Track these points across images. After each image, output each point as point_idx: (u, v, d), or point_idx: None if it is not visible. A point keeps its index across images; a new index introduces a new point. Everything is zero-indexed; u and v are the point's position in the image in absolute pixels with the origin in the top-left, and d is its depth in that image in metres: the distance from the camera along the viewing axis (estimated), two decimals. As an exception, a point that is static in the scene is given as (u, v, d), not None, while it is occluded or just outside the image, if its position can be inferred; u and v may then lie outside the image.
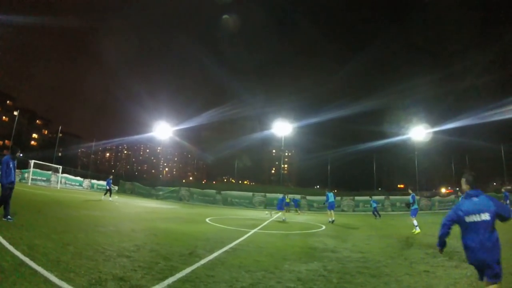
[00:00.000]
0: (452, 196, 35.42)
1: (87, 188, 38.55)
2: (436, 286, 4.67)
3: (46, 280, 3.72)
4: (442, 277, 5.17)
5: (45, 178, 32.50)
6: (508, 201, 19.20)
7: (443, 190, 56.38)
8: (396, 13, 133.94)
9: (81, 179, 39.89)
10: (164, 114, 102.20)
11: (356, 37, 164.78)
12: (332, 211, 16.21)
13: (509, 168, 35.99)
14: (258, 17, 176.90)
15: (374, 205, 21.30)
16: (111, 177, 23.52)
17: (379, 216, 19.97)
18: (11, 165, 7.53)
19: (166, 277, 4.30)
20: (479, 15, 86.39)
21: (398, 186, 62.44)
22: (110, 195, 21.53)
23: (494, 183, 44.68)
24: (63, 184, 34.86)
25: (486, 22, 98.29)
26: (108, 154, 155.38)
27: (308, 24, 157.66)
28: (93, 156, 79.21)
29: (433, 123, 44.46)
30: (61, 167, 35.21)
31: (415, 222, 11.78)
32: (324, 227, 13.80)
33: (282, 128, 44.73)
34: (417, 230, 11.58)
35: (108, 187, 21.82)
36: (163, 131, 47.55)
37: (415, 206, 12.49)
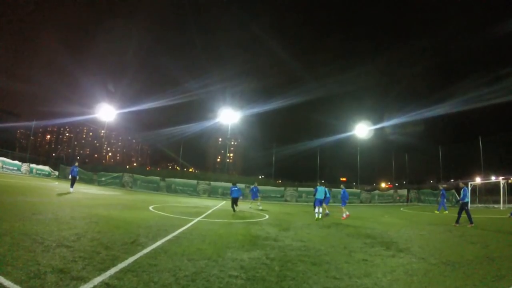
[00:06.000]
0: (391, 191, 37.93)
1: (25, 173, 35.15)
2: (374, 274, 4.82)
3: (-19, 275, 3.41)
4: (380, 266, 5.39)
5: (-21, 163, 29.11)
6: (445, 199, 20.89)
7: (383, 185, 59.67)
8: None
9: (19, 163, 36.07)
10: (109, 96, 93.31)
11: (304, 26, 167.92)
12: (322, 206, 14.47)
13: (444, 167, 38.78)
14: (205, 6, 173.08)
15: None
16: (76, 164, 19.20)
17: None
18: None
19: (107, 268, 4.14)
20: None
21: (341, 179, 64.78)
22: (72, 185, 17.35)
23: (431, 181, 47.15)
24: None
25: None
26: (48, 136, 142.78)
27: (252, 16, 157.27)
28: (32, 138, 72.08)
29: (376, 121, 47.18)
30: (-3, 150, 31.70)
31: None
32: (267, 216, 14.07)
33: (229, 116, 43.38)
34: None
35: (71, 175, 17.83)
36: (107, 113, 43.36)
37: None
